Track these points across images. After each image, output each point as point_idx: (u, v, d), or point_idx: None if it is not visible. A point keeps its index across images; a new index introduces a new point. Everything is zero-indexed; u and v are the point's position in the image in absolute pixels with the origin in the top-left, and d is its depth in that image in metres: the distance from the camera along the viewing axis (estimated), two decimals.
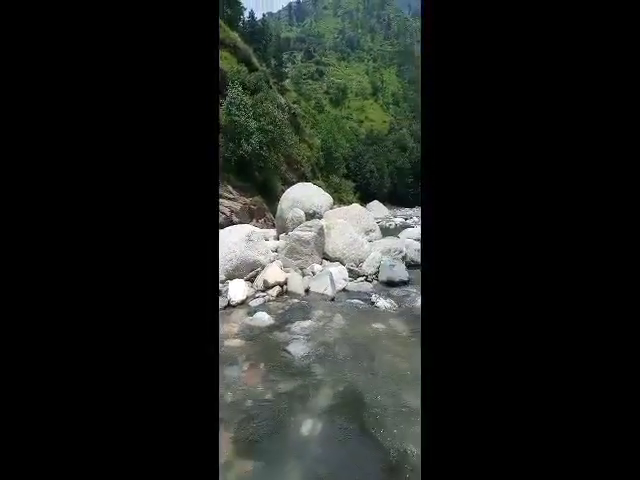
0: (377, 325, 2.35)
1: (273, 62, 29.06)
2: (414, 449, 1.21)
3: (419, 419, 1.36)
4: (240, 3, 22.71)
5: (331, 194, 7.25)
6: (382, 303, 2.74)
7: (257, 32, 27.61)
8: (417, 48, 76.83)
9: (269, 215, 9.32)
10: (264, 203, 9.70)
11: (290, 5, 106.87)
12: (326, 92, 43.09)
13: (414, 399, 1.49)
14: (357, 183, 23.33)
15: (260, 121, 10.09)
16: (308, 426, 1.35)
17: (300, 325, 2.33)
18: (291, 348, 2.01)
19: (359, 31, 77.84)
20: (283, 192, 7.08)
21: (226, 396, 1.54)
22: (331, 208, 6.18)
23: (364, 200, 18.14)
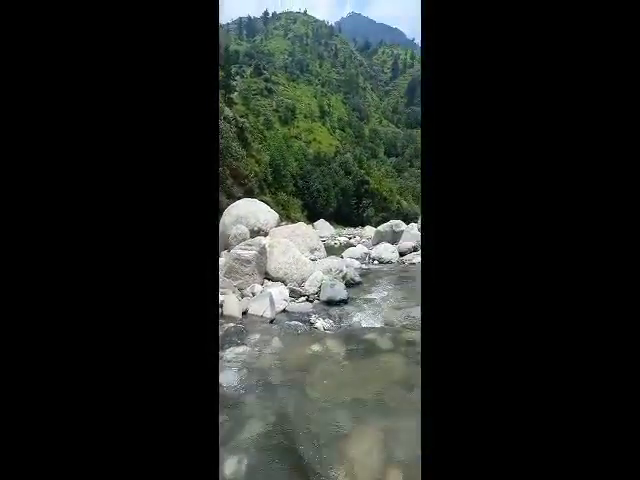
0: (314, 347, 2.36)
1: (221, 74, 28.61)
2: (345, 477, 1.22)
3: (357, 445, 1.39)
4: None
5: (279, 211, 7.26)
6: (321, 324, 2.78)
7: None
8: (361, 79, 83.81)
9: None
10: None
11: (240, 20, 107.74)
12: (275, 110, 43.81)
13: (351, 423, 1.52)
14: (304, 201, 23.78)
15: None
16: (232, 466, 1.27)
17: (234, 351, 2.22)
18: (221, 378, 1.89)
19: (308, 56, 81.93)
20: (227, 206, 6.84)
21: None
22: (277, 225, 6.16)
23: (311, 218, 18.51)
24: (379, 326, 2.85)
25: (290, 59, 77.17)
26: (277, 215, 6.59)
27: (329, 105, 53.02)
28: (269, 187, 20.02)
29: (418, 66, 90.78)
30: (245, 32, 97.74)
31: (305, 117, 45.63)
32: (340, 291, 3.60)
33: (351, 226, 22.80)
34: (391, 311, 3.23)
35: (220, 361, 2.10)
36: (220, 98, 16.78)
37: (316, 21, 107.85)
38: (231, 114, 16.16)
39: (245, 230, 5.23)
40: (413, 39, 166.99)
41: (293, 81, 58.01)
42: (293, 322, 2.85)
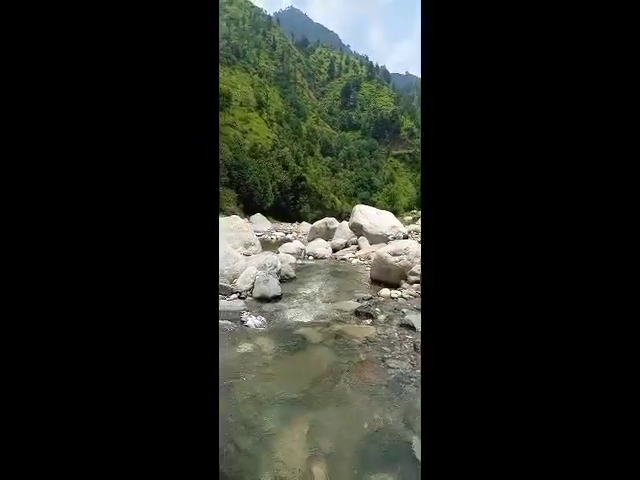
0: (244, 346, 2.28)
1: None
2: (271, 474, 1.20)
3: (283, 441, 1.38)
4: None
5: None
6: (252, 321, 2.70)
7: None
8: (299, 75, 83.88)
9: None
10: None
11: None
12: None
13: (278, 420, 1.51)
14: (240, 193, 22.75)
15: None
16: None
17: None
18: None
19: (245, 42, 78.11)
20: None
21: None
22: None
23: (247, 212, 17.83)
24: (310, 321, 2.91)
25: (225, 42, 72.24)
26: None
27: (266, 97, 51.57)
28: None
29: (352, 71, 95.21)
30: None
31: (241, 105, 43.43)
32: (274, 287, 3.55)
33: (288, 221, 22.79)
34: (322, 305, 3.33)
35: None
36: None
37: (253, 7, 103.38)
38: None
39: None
40: (348, 45, 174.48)
41: (228, 66, 54.48)
42: (223, 321, 2.69)
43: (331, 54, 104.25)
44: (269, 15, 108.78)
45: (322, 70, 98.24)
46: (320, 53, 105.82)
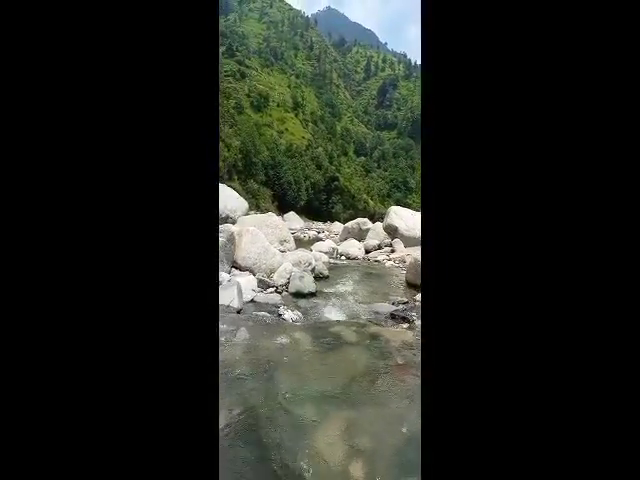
0: (282, 339, 2.34)
1: None
2: (309, 466, 1.22)
3: (323, 436, 1.41)
4: None
5: (248, 199, 7.04)
6: (289, 315, 2.76)
7: None
8: (335, 75, 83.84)
9: None
10: None
11: None
12: (247, 95, 42.10)
13: (318, 415, 1.53)
14: (275, 192, 23.37)
15: None
16: None
17: None
18: None
19: (283, 44, 79.74)
20: None
21: None
22: (246, 214, 5.97)
23: (281, 210, 18.27)
24: (345, 320, 2.91)
25: (265, 44, 74.45)
26: (246, 203, 6.38)
27: (302, 97, 52.30)
28: (239, 174, 19.31)
29: (389, 70, 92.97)
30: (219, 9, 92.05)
31: (278, 106, 44.51)
32: (309, 284, 3.61)
33: (320, 220, 22.93)
34: (357, 306, 3.31)
35: None
36: None
37: (292, 9, 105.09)
38: None
39: None
40: (385, 43, 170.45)
41: (267, 67, 56.10)
42: (261, 313, 2.79)
43: (368, 53, 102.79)
44: (307, 16, 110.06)
45: (358, 70, 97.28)
46: (357, 52, 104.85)
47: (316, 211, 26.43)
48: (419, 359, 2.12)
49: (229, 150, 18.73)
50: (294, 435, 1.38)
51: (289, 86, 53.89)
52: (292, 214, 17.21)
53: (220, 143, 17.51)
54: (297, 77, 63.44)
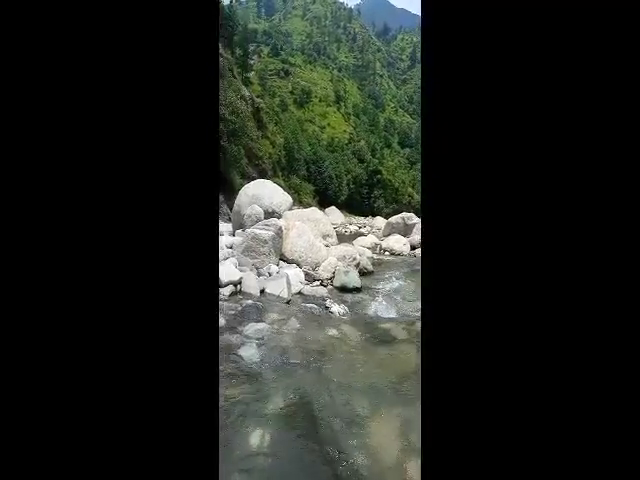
0: (331, 331, 2.37)
1: (238, 51, 27.92)
2: (364, 461, 1.22)
3: (375, 430, 1.40)
4: None
5: (291, 194, 7.20)
6: (336, 309, 2.78)
7: (224, 18, 26.30)
8: (379, 66, 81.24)
9: (225, 208, 8.85)
10: (220, 196, 9.20)
11: None
12: (291, 92, 42.88)
13: (369, 408, 1.53)
14: (316, 187, 23.59)
15: (221, 109, 9.60)
16: (257, 436, 1.29)
17: (253, 328, 2.23)
18: (243, 352, 1.92)
19: (326, 38, 79.25)
20: (242, 186, 6.79)
21: None
22: (290, 209, 6.13)
23: (322, 204, 18.41)
24: (393, 316, 2.84)
25: (308, 41, 74.79)
26: (290, 198, 6.54)
27: (345, 90, 51.62)
28: (282, 170, 19.88)
29: None
30: (264, 10, 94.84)
31: (320, 101, 44.60)
32: (354, 278, 3.59)
33: (361, 215, 22.63)
34: (404, 303, 3.21)
35: (238, 336, 2.13)
36: (237, 77, 16.47)
37: (335, 2, 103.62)
38: (248, 93, 15.91)
39: (260, 210, 5.21)
40: None
41: (310, 63, 56.40)
42: (309, 305, 2.86)
43: (414, 39, 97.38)
44: (350, 8, 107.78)
45: (403, 57, 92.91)
46: (402, 40, 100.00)
47: (357, 206, 26.11)
48: None
49: (273, 147, 19.36)
50: (347, 427, 1.39)
51: (331, 80, 53.57)
52: (333, 209, 17.24)
53: (265, 140, 18.15)
54: (339, 70, 62.79)
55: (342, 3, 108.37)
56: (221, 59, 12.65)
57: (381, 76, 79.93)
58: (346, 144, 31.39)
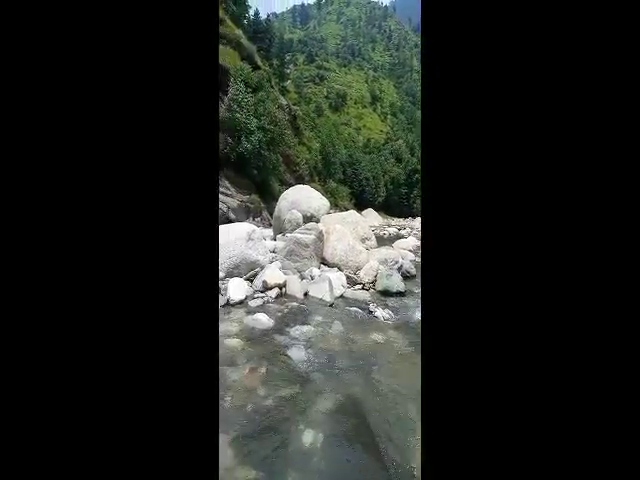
0: (376, 336, 2.35)
1: (275, 62, 29.06)
2: (418, 463, 1.20)
3: (419, 434, 1.37)
4: (246, 0, 22.67)
5: (327, 198, 7.27)
6: (380, 313, 2.75)
7: (261, 31, 27.57)
8: (416, 62, 78.70)
9: (265, 214, 9.25)
10: (261, 202, 9.64)
11: (294, 7, 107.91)
12: (326, 97, 43.39)
13: (415, 417, 1.49)
14: (353, 190, 23.49)
15: (261, 120, 10.06)
16: (310, 437, 1.33)
17: (299, 330, 2.31)
18: (291, 353, 1.99)
19: (360, 40, 78.89)
20: (280, 192, 7.05)
21: (227, 397, 1.50)
22: (328, 213, 6.20)
23: (359, 207, 18.27)
24: None
25: (342, 44, 75.16)
26: (328, 202, 6.62)
27: (380, 90, 50.82)
28: (319, 175, 20.15)
29: None
30: (299, 19, 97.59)
31: (355, 103, 44.46)
32: (397, 282, 3.51)
33: (400, 217, 21.97)
34: None
35: (286, 337, 2.21)
36: (274, 87, 17.15)
37: (369, 2, 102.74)
38: (285, 102, 16.46)
39: (299, 215, 5.36)
40: None
41: (344, 67, 56.60)
42: (352, 308, 2.86)
43: None
44: (385, 5, 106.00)
45: None
46: None
47: (396, 207, 25.40)
48: None
49: (310, 152, 19.71)
50: (400, 431, 1.38)
51: (366, 81, 53.15)
52: (370, 211, 17.01)
53: (302, 147, 18.56)
54: (375, 70, 62.03)
55: (376, 2, 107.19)
56: (259, 71, 13.29)
57: (418, 72, 77.25)
58: (383, 144, 30.83)
